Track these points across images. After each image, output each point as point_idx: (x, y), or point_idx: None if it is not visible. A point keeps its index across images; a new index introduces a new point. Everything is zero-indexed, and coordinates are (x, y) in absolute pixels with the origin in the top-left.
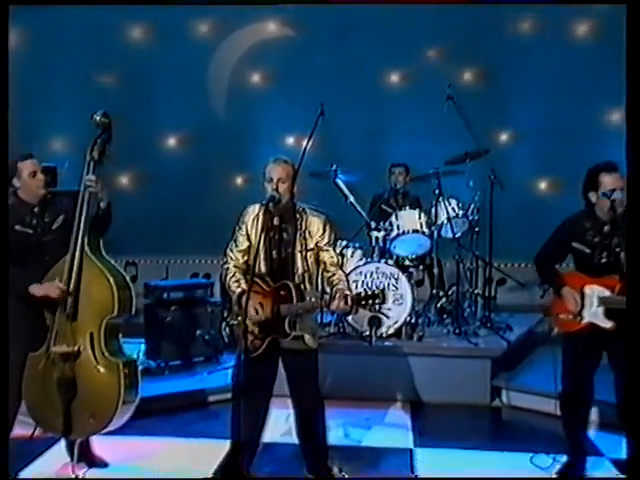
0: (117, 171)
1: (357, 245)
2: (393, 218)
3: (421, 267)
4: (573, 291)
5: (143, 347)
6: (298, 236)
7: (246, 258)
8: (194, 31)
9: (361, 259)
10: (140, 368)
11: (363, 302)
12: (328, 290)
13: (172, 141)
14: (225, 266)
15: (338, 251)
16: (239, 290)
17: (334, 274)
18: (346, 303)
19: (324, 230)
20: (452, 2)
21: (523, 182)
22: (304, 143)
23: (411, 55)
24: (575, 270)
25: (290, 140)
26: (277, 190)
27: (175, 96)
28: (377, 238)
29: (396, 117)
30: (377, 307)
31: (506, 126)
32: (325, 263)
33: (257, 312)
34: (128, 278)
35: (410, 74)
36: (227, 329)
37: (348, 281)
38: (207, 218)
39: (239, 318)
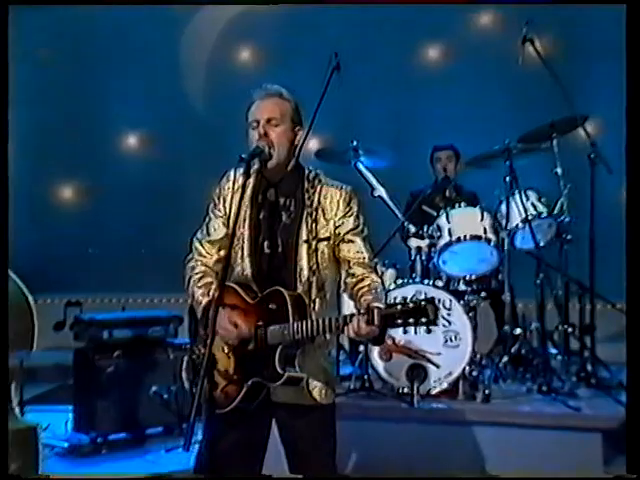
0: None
1: (388, 262)
2: (442, 219)
3: (483, 294)
4: None
5: (71, 415)
6: (305, 216)
7: (223, 253)
8: None
9: (395, 281)
10: (65, 445)
11: (399, 321)
12: (353, 305)
13: (131, 140)
14: (190, 264)
15: None
16: (206, 300)
17: (362, 279)
18: (371, 323)
19: (349, 208)
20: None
21: (612, 194)
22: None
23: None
24: None
25: None
26: (266, 136)
27: (136, 82)
28: (419, 248)
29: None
30: (424, 328)
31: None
32: (348, 261)
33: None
34: (30, 298)
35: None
36: (189, 367)
37: (385, 288)
38: (178, 244)
39: (201, 348)
